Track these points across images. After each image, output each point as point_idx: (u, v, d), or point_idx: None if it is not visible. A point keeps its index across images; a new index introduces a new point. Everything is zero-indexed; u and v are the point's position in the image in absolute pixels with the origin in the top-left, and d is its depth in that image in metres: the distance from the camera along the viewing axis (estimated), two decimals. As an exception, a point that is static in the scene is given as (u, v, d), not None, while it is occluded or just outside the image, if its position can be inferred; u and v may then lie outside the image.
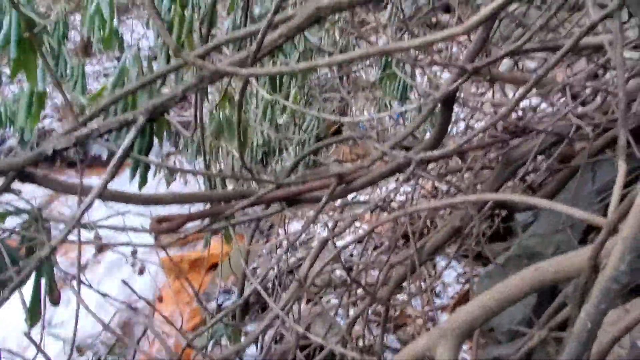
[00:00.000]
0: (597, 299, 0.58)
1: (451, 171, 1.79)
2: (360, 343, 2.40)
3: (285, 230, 2.53)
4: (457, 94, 1.21)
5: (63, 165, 6.51)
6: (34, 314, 1.71)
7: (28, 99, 1.86)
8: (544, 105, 1.85)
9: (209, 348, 3.10)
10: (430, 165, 2.49)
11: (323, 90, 4.28)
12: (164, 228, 1.03)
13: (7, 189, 0.94)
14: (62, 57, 3.23)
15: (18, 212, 1.69)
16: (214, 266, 3.67)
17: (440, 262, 2.65)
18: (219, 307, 2.84)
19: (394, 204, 2.82)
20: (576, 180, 1.79)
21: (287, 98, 3.16)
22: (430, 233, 1.75)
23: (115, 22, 2.38)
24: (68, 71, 3.33)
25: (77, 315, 1.00)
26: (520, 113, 1.70)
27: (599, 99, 1.67)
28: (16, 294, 2.00)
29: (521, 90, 0.96)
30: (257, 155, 3.54)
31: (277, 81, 2.08)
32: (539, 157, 1.90)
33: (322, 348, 2.58)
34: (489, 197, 0.84)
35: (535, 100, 1.83)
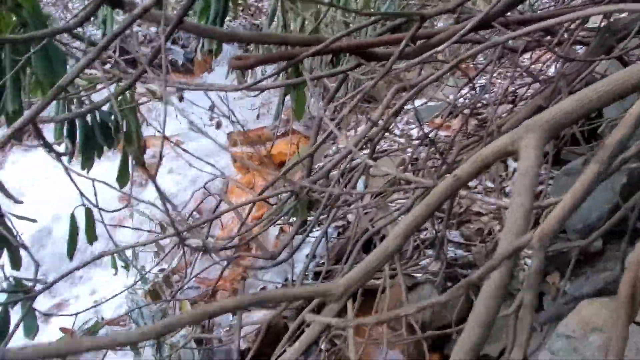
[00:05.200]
0: None
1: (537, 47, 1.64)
2: (422, 235, 2.43)
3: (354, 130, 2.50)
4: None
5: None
6: (123, 175, 1.85)
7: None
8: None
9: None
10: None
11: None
12: (241, 64, 1.03)
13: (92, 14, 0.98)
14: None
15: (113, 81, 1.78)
16: (281, 165, 3.78)
17: (511, 164, 2.55)
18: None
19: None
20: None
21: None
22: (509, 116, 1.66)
23: None
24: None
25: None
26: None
27: None
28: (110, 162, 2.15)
29: None
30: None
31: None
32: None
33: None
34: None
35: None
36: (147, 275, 3.04)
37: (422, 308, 0.48)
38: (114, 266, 3.01)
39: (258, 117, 4.13)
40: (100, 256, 1.11)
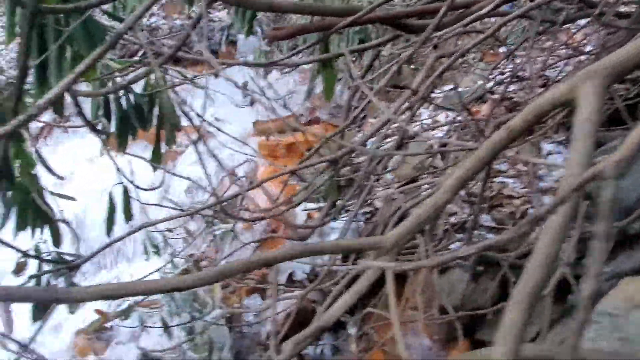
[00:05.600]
0: None
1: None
2: (452, 220, 2.40)
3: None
4: None
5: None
6: (156, 154, 1.87)
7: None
8: None
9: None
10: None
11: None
12: (277, 34, 1.03)
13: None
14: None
15: (138, 62, 1.80)
16: (309, 151, 3.78)
17: (545, 146, 2.50)
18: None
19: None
20: None
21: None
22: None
23: None
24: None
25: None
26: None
27: None
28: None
29: None
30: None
31: None
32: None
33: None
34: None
35: None
36: (177, 261, 3.10)
37: (481, 250, 0.47)
38: (147, 252, 3.07)
39: (285, 105, 4.13)
40: (139, 228, 1.13)
